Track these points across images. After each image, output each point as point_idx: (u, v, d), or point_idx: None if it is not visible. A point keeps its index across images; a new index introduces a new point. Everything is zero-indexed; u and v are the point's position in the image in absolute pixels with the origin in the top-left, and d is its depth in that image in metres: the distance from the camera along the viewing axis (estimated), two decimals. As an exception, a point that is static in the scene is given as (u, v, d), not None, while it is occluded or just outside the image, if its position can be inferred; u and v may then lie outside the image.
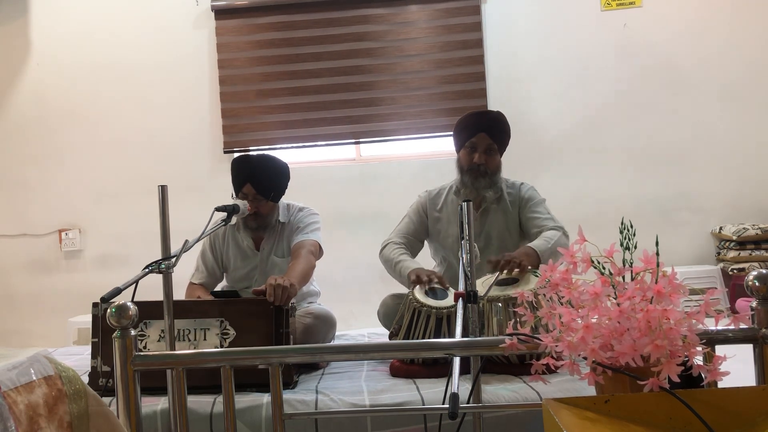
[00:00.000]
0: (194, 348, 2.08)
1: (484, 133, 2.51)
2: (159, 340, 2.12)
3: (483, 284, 2.21)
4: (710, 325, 1.23)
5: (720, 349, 1.23)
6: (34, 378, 1.19)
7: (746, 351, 1.35)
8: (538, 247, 2.32)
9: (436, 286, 2.28)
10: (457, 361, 1.26)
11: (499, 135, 2.54)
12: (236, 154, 4.00)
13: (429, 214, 2.67)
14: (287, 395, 1.89)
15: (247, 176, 2.54)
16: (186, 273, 2.69)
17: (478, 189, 2.51)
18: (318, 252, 2.60)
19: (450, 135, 3.91)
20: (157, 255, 1.62)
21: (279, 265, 2.61)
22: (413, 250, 2.65)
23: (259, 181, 2.54)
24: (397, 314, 2.30)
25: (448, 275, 2.53)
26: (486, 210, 2.56)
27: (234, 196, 2.58)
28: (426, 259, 2.71)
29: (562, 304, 1.18)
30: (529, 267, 2.24)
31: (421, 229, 2.67)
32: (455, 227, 2.59)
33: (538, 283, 1.25)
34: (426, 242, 2.73)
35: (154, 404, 1.87)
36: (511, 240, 2.55)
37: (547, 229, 2.45)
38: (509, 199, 2.58)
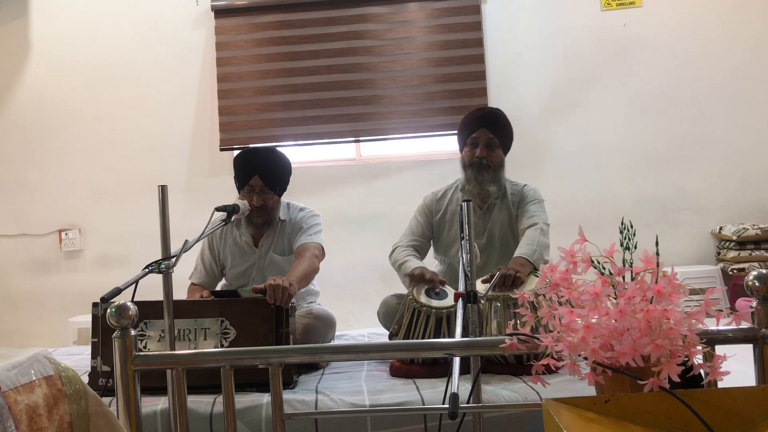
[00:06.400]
0: (194, 348, 2.08)
1: (484, 128, 2.53)
2: (159, 340, 2.12)
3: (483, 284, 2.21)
4: (710, 324, 1.23)
5: (720, 349, 1.22)
6: (34, 378, 1.19)
7: (746, 351, 1.35)
8: (528, 255, 2.32)
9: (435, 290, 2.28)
10: (457, 361, 1.26)
11: (500, 129, 2.55)
12: (235, 152, 4.01)
13: (434, 214, 2.67)
14: (287, 395, 1.89)
15: (255, 168, 2.52)
16: (186, 273, 2.69)
17: (482, 183, 2.51)
18: (321, 255, 2.60)
19: (450, 134, 3.94)
20: (157, 255, 1.62)
21: (278, 263, 2.61)
22: (422, 250, 2.64)
23: (267, 174, 2.53)
24: (397, 314, 2.30)
25: (449, 274, 2.53)
26: (490, 207, 2.56)
27: (239, 190, 2.57)
28: (433, 260, 2.71)
29: (562, 304, 1.18)
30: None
31: (428, 229, 2.67)
32: (458, 227, 2.58)
33: (538, 284, 1.25)
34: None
35: (154, 404, 1.87)
36: (512, 240, 2.54)
37: (524, 229, 2.46)
38: (512, 199, 2.58)
